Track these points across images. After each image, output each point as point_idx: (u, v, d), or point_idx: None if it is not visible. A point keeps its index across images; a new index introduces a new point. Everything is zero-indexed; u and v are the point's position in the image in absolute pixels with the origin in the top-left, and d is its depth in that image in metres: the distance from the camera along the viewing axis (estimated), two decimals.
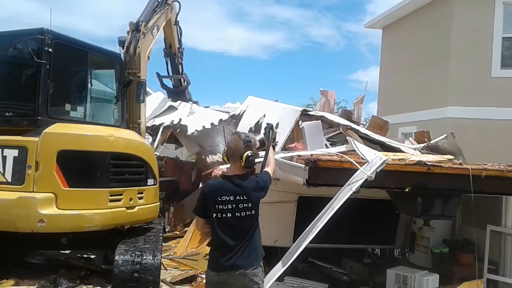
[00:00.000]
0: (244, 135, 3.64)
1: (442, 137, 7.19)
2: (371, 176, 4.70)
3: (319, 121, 7.12)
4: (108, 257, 6.32)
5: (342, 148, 6.09)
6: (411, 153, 6.81)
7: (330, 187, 5.13)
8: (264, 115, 8.69)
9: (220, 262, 3.50)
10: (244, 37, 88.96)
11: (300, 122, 7.25)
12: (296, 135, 7.40)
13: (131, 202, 5.80)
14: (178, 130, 10.06)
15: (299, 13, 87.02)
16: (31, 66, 5.53)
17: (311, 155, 5.33)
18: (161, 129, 9.97)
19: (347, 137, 6.21)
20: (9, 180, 5.19)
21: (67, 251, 6.97)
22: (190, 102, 10.96)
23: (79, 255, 7.11)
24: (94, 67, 6.36)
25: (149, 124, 9.97)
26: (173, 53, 10.22)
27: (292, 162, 5.27)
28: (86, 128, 5.70)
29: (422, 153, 6.96)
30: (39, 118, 5.40)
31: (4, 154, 5.22)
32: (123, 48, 6.92)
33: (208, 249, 7.93)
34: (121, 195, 5.67)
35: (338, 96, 22.78)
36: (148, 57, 7.44)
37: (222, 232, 3.49)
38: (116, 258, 5.25)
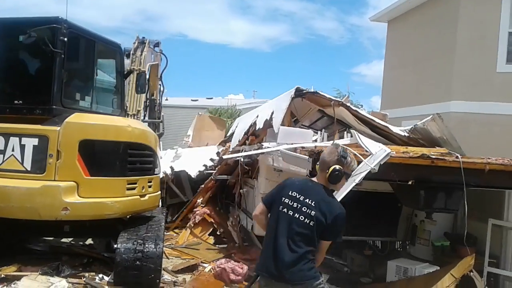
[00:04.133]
0: (341, 149, 3.35)
1: (429, 118, 6.74)
2: (374, 169, 4.69)
3: (296, 128, 7.20)
4: (111, 245, 6.35)
5: (346, 140, 6.08)
6: (398, 135, 6.89)
7: None
8: (257, 116, 8.61)
9: (269, 266, 3.21)
10: (247, 30, 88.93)
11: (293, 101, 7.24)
12: (288, 117, 7.35)
13: (143, 190, 5.94)
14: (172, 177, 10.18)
15: (303, 6, 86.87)
16: (45, 55, 5.51)
17: (315, 146, 5.33)
18: None
19: (351, 130, 6.18)
20: (29, 168, 5.21)
21: (70, 239, 7.01)
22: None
23: (81, 243, 7.15)
24: (99, 57, 6.38)
25: None
26: (153, 101, 9.57)
27: (296, 154, 5.27)
28: (104, 119, 5.81)
29: (411, 136, 6.88)
30: (54, 107, 5.43)
31: (22, 143, 5.23)
32: (127, 57, 7.17)
33: (210, 239, 8.08)
34: (135, 183, 5.79)
35: (338, 89, 22.63)
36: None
37: (280, 228, 3.20)
38: (119, 246, 5.29)
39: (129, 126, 5.84)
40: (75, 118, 5.39)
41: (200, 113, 15.35)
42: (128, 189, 5.66)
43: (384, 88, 15.40)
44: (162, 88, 9.18)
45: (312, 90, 7.40)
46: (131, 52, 7.28)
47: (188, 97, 35.36)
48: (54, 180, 5.16)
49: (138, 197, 5.83)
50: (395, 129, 7.12)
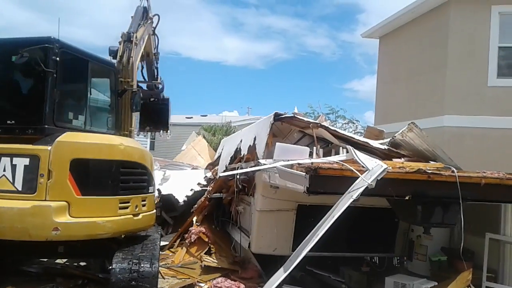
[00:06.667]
0: None
1: (405, 128, 6.76)
2: (371, 184, 4.69)
3: (290, 145, 7.25)
4: (105, 266, 6.27)
5: (343, 156, 6.08)
6: (379, 149, 6.99)
7: (329, 195, 5.12)
8: (241, 140, 8.75)
9: None
10: (240, 47, 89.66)
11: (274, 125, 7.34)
12: (270, 140, 7.39)
13: (137, 209, 5.89)
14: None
15: (295, 23, 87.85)
16: (37, 74, 5.50)
17: (312, 163, 5.32)
18: None
19: (347, 146, 6.19)
20: (20, 188, 5.16)
21: (64, 260, 6.91)
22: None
23: (75, 263, 7.05)
24: (93, 76, 6.38)
25: None
26: (150, 60, 10.18)
27: (292, 170, 5.26)
28: (96, 137, 5.77)
29: (390, 148, 7.00)
30: (46, 126, 5.41)
31: (13, 163, 5.19)
32: (114, 58, 7.02)
33: (206, 258, 7.99)
34: (128, 202, 5.74)
35: (330, 106, 22.90)
36: (137, 67, 7.73)
37: None
38: (114, 266, 5.22)
39: (122, 144, 5.81)
40: (66, 137, 5.38)
41: (202, 135, 15.35)
42: (121, 208, 5.62)
43: (377, 103, 15.49)
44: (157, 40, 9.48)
45: (290, 115, 7.58)
46: (118, 55, 7.11)
47: (182, 114, 35.44)
48: (45, 200, 5.11)
49: (131, 216, 5.77)
50: (375, 143, 7.20)
